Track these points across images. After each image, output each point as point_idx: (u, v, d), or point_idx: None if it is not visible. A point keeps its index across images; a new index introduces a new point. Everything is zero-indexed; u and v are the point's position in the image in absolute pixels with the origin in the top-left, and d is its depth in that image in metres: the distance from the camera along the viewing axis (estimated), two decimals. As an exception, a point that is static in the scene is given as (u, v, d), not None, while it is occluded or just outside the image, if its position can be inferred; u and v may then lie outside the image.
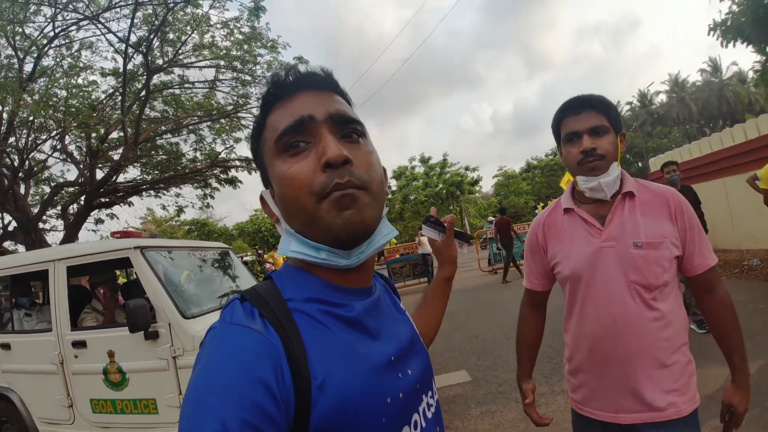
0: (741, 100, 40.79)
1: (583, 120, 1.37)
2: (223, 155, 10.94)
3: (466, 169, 34.36)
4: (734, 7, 7.68)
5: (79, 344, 3.42)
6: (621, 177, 1.41)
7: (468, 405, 3.96)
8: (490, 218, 16.00)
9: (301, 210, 0.64)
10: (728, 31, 7.76)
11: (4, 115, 7.93)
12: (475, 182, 35.16)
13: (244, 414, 0.50)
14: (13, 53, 7.78)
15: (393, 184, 35.16)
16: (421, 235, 12.38)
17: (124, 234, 3.86)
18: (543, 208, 13.18)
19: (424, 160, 34.67)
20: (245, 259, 14.84)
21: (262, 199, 0.74)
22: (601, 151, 1.35)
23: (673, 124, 44.44)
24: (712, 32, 8.07)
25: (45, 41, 7.81)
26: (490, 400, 3.99)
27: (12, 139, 8.80)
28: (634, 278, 1.32)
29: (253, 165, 10.59)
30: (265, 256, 16.35)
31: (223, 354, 0.55)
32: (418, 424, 0.71)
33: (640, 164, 37.02)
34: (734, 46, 7.95)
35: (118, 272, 5.45)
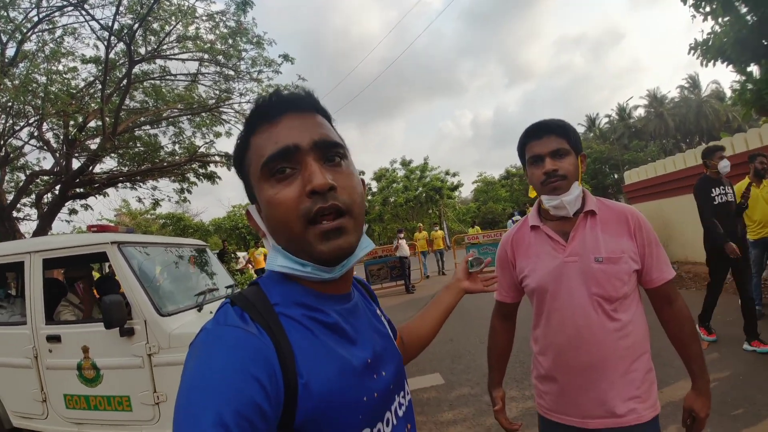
0: (719, 117, 41.88)
1: (545, 144, 1.47)
2: (202, 149, 10.82)
3: (447, 173, 34.52)
4: (717, 28, 7.86)
5: (54, 339, 3.38)
6: (583, 196, 1.52)
7: (441, 407, 4.02)
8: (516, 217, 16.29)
9: (289, 232, 0.69)
10: (709, 50, 7.92)
11: None
12: (456, 187, 35.37)
13: (239, 407, 0.54)
14: None
15: (373, 185, 35.10)
16: (400, 239, 12.42)
17: (101, 228, 3.80)
18: (522, 216, 13.33)
19: (405, 163, 34.72)
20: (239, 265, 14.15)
21: (248, 213, 0.78)
22: (562, 172, 1.45)
23: (651, 138, 45.49)
24: (693, 51, 8.24)
25: (29, 25, 7.62)
26: (463, 403, 4.06)
27: None
28: (595, 291, 1.42)
29: (232, 161, 10.45)
30: (247, 254, 16.05)
31: (220, 352, 0.59)
32: (390, 422, 0.77)
33: (615, 176, 37.84)
34: (714, 65, 8.15)
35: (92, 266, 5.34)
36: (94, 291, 4.09)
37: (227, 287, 4.47)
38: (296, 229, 0.68)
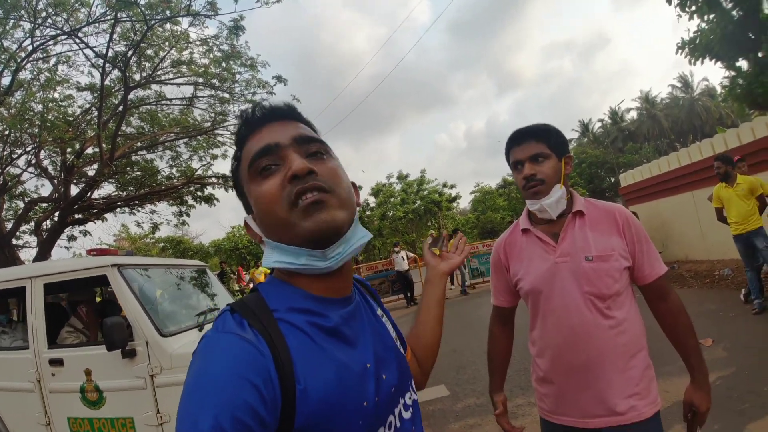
0: (712, 115, 42.16)
1: (524, 149, 1.51)
2: (199, 172, 10.88)
3: (444, 186, 34.47)
4: (703, 25, 7.97)
5: (56, 362, 3.36)
6: (571, 197, 1.55)
7: (447, 419, 4.00)
8: None
9: (275, 219, 0.71)
10: (696, 48, 8.01)
11: None
12: (454, 199, 35.32)
13: (236, 412, 0.56)
14: None
15: (371, 201, 35.09)
16: (395, 252, 12.26)
17: (101, 252, 3.82)
18: None
19: (401, 177, 34.66)
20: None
21: (246, 224, 0.80)
22: (540, 176, 1.48)
23: (645, 140, 45.67)
24: (680, 50, 8.32)
25: (23, 54, 7.71)
26: (469, 413, 4.04)
27: None
28: (587, 289, 1.43)
29: (230, 182, 10.47)
30: (247, 272, 16.00)
31: (218, 358, 0.61)
32: (392, 425, 0.77)
33: (612, 179, 37.99)
34: (702, 63, 8.22)
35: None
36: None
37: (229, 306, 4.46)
38: (281, 213, 0.70)
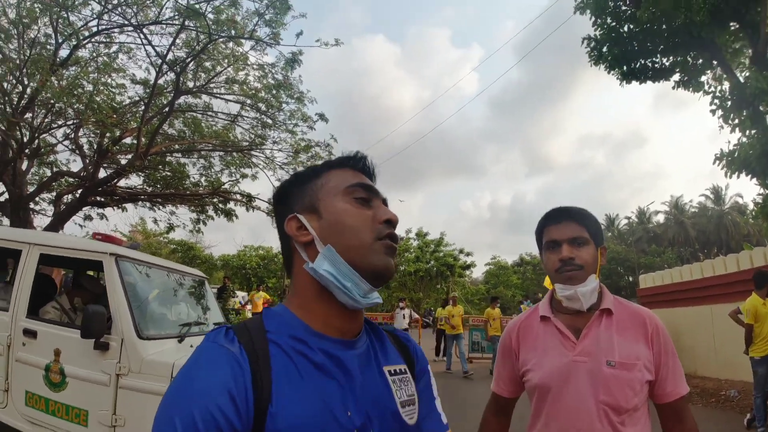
0: (739, 230, 41.54)
1: (564, 229, 1.40)
2: (226, 186, 11.05)
3: (461, 251, 33.93)
4: (744, 139, 7.91)
5: (30, 333, 3.31)
6: (600, 291, 1.42)
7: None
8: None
9: (357, 239, 0.78)
10: (734, 162, 7.91)
11: (28, 90, 8.10)
12: (468, 267, 34.72)
13: (210, 411, 0.61)
14: (52, 34, 8.01)
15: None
16: (398, 308, 11.94)
17: (107, 238, 3.82)
18: (530, 305, 12.78)
19: (420, 234, 34.41)
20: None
21: (295, 219, 0.83)
22: (579, 261, 1.36)
23: (669, 245, 45.11)
24: (718, 161, 8.26)
25: (86, 33, 8.08)
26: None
27: (28, 115, 8.94)
28: (603, 398, 1.28)
29: (253, 203, 10.64)
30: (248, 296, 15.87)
31: (200, 363, 0.67)
32: None
33: (630, 278, 37.21)
34: (738, 177, 8.12)
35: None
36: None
37: (215, 324, 4.35)
38: (367, 238, 0.78)
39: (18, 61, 7.94)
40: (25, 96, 8.19)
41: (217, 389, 0.63)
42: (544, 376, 1.38)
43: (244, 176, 11.09)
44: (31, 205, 9.71)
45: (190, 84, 9.11)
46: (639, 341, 1.33)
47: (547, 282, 1.78)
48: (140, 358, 3.02)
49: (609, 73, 9.66)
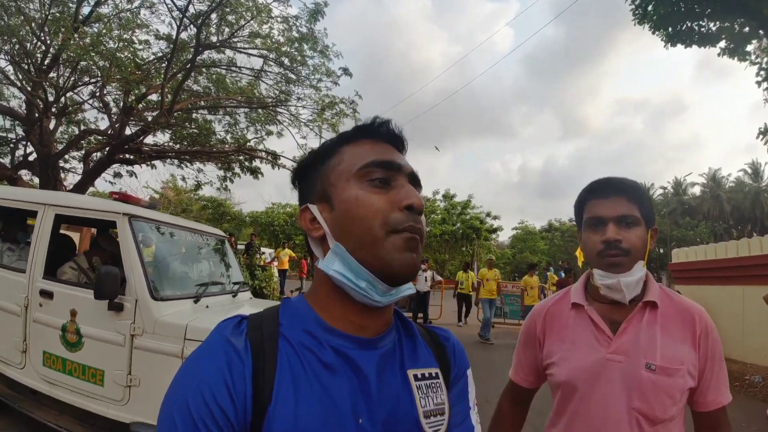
0: (775, 209, 40.13)
1: (611, 205, 1.19)
2: (251, 143, 11.01)
3: (488, 215, 33.44)
4: None
5: (47, 294, 3.35)
6: (645, 280, 1.22)
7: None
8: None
9: (367, 234, 0.67)
10: None
11: (51, 49, 8.07)
12: (494, 230, 34.27)
13: (204, 397, 0.60)
14: None
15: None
16: (421, 269, 11.89)
17: (123, 196, 3.78)
18: (567, 273, 12.48)
19: (447, 196, 33.99)
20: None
21: (307, 210, 0.74)
22: (626, 245, 1.16)
23: (703, 219, 43.72)
24: (762, 136, 7.89)
25: None
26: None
27: (53, 75, 8.95)
28: (637, 405, 1.12)
29: (279, 161, 10.59)
30: (275, 252, 16.14)
31: (202, 352, 0.66)
32: None
33: (661, 250, 36.26)
34: (781, 153, 7.82)
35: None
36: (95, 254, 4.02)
37: (235, 284, 4.34)
38: (377, 230, 0.67)
39: (40, 21, 7.86)
40: (49, 55, 8.16)
41: (214, 377, 0.61)
42: (570, 373, 1.21)
43: (269, 133, 10.99)
44: (61, 164, 9.89)
45: (213, 38, 8.91)
46: (685, 342, 1.15)
47: (578, 253, 1.56)
48: (154, 318, 3.02)
49: (654, 33, 9.11)
